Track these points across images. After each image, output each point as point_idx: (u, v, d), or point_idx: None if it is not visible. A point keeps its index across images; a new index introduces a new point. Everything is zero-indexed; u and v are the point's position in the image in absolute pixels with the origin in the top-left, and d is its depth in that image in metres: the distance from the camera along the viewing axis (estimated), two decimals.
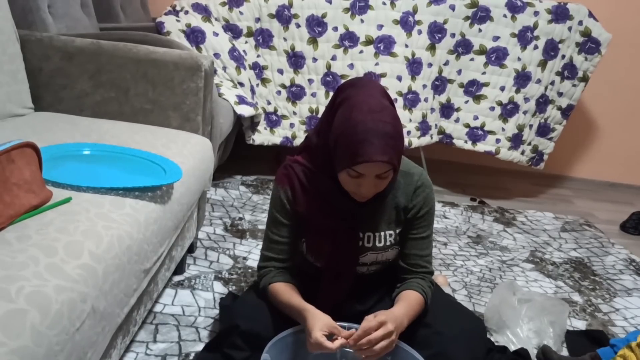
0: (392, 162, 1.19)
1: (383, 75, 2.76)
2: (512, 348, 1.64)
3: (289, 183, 1.37)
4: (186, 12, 2.68)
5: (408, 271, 1.41)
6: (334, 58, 2.76)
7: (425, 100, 2.87)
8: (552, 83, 2.92)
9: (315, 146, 1.35)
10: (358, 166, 1.19)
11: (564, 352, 1.68)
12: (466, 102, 2.95)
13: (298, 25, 2.74)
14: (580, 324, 1.90)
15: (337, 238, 1.36)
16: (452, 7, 2.80)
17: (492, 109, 2.92)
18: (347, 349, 1.23)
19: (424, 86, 2.85)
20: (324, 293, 1.39)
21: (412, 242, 1.40)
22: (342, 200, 1.32)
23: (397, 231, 1.40)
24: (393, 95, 2.77)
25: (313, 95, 2.81)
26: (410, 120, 2.84)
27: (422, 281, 1.39)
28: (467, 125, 2.97)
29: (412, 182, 1.38)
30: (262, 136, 2.82)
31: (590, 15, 2.85)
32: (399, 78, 2.78)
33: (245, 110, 2.57)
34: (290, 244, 1.41)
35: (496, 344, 1.66)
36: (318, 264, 1.41)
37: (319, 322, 1.20)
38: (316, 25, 2.74)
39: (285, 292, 1.34)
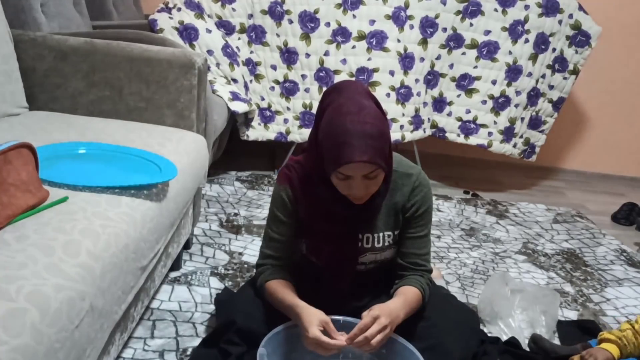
0: (374, 162, 1.19)
1: (375, 70, 2.77)
2: (505, 338, 1.67)
3: (290, 183, 1.40)
4: (179, 9, 2.68)
5: (406, 269, 1.41)
6: (326, 54, 2.77)
7: (418, 94, 2.89)
8: (543, 76, 2.94)
9: (310, 152, 1.37)
10: (342, 168, 1.20)
11: (556, 342, 1.71)
12: (458, 95, 2.96)
13: (291, 21, 2.75)
14: (571, 314, 1.92)
15: (336, 241, 1.39)
16: (444, 2, 2.81)
17: (484, 102, 2.94)
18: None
19: (417, 80, 2.86)
20: (325, 292, 1.41)
21: (410, 241, 1.41)
22: (339, 204, 1.33)
23: (396, 232, 1.42)
24: (386, 90, 2.79)
25: (306, 90, 2.82)
26: (403, 114, 2.86)
27: (420, 278, 1.40)
28: (459, 119, 2.99)
29: (409, 182, 1.40)
30: (256, 132, 2.83)
31: (580, 8, 2.87)
32: (392, 73, 2.79)
33: (239, 107, 2.58)
34: (288, 243, 1.43)
35: (489, 334, 1.68)
36: (320, 263, 1.43)
37: (315, 319, 1.21)
38: (309, 21, 2.75)
39: (279, 290, 1.36)
